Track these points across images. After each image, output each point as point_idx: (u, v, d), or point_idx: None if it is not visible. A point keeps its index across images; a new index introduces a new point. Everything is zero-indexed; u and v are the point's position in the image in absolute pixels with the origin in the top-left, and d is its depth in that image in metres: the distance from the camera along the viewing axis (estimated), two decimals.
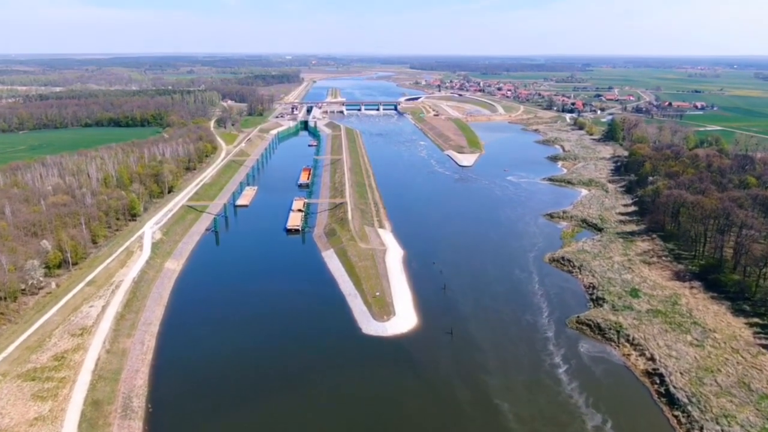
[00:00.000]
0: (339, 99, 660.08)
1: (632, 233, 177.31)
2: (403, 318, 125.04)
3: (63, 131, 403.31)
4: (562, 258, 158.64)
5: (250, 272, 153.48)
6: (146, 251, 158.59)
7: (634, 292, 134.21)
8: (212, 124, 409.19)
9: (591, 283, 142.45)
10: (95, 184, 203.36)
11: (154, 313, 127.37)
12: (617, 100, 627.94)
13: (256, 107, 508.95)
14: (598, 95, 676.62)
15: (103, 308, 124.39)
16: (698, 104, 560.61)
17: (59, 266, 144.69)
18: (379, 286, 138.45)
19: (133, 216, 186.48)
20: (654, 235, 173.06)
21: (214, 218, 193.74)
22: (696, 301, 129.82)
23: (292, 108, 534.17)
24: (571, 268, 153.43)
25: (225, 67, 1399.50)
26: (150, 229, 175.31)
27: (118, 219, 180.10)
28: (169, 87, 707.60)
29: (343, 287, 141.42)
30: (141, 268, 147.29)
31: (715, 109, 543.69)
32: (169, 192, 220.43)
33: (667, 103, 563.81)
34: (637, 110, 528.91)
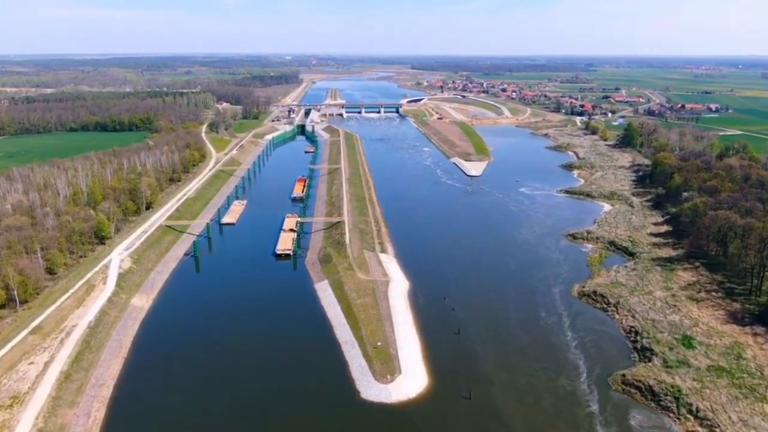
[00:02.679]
0: (338, 101, 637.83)
1: (670, 260, 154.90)
2: (411, 377, 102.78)
3: (46, 136, 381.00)
4: (594, 292, 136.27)
5: (231, 310, 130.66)
6: (110, 284, 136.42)
7: (687, 341, 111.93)
8: (204, 128, 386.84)
9: (632, 326, 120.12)
10: (62, 202, 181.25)
11: (109, 369, 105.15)
12: (627, 102, 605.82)
13: (252, 110, 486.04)
14: (606, 97, 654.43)
15: (46, 365, 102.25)
16: (712, 106, 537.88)
17: (4, 306, 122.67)
18: (381, 333, 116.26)
19: (102, 239, 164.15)
20: (697, 263, 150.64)
21: (194, 241, 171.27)
22: (764, 353, 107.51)
23: (289, 111, 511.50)
24: (605, 305, 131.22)
25: (224, 67, 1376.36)
26: (118, 255, 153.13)
27: (83, 244, 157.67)
28: (164, 88, 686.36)
29: (339, 332, 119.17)
30: (101, 307, 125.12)
31: (729, 111, 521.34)
32: (147, 209, 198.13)
33: (679, 105, 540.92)
34: (650, 113, 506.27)
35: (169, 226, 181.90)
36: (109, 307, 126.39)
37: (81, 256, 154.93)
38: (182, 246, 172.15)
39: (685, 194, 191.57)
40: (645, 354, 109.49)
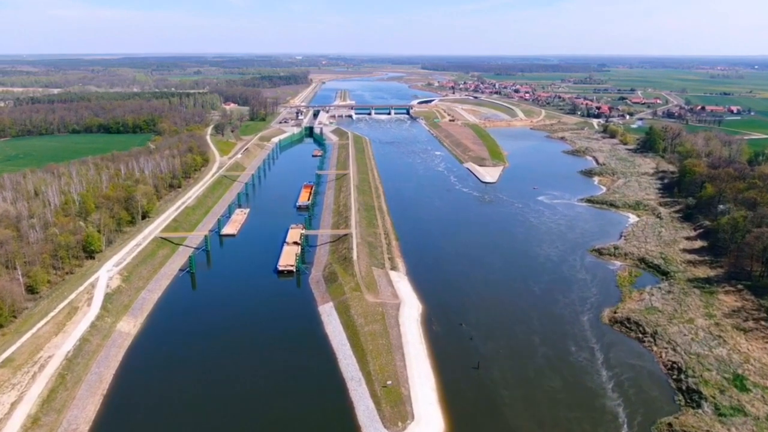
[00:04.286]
0: (348, 102, 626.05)
1: (709, 281, 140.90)
2: (425, 423, 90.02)
3: (47, 138, 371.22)
4: (628, 319, 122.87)
5: (226, 337, 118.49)
6: (95, 306, 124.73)
7: (740, 382, 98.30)
8: (209, 130, 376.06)
9: (674, 362, 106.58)
10: (51, 212, 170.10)
11: (85, 409, 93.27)
12: (644, 104, 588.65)
13: (259, 111, 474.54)
14: (622, 98, 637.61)
15: (13, 406, 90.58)
16: (733, 108, 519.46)
17: None
18: (391, 367, 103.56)
19: (91, 253, 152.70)
20: (739, 285, 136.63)
21: (191, 255, 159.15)
22: None
23: (297, 112, 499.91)
24: (641, 335, 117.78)
25: (233, 67, 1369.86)
26: (107, 272, 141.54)
27: (69, 259, 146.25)
28: (172, 89, 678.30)
29: (344, 366, 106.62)
30: (82, 333, 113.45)
31: (752, 114, 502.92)
32: (143, 218, 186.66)
33: (699, 107, 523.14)
34: (669, 115, 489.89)
35: (164, 239, 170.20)
36: (92, 334, 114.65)
37: (67, 273, 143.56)
38: (178, 260, 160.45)
39: (720, 207, 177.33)
40: (692, 397, 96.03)
